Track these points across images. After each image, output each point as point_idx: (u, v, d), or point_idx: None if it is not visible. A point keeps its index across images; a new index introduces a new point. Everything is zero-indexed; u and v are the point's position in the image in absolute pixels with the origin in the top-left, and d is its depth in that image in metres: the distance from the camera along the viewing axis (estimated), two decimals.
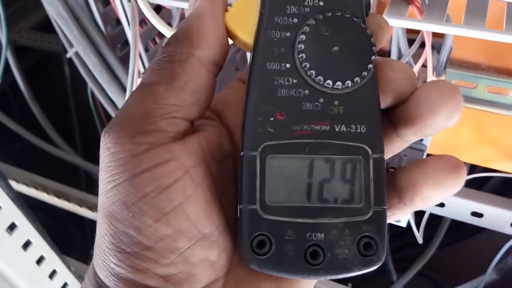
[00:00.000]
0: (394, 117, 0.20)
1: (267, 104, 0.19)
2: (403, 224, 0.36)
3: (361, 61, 0.19)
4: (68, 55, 0.51)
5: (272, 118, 0.19)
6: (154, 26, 0.37)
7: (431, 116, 0.18)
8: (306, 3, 0.19)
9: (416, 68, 0.34)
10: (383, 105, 0.19)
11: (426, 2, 0.32)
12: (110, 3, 0.44)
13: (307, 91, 0.19)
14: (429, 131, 0.19)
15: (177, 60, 0.19)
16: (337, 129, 0.19)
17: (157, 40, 0.51)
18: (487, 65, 0.40)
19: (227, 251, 0.19)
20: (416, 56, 0.34)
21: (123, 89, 0.47)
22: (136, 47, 0.40)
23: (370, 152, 0.19)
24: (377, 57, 0.19)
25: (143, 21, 0.46)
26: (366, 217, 0.18)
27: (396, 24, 0.31)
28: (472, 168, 0.55)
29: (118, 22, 0.47)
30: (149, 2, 0.37)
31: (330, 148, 0.19)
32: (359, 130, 0.19)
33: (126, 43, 0.49)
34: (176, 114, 0.18)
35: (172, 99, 0.18)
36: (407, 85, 0.19)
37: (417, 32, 0.33)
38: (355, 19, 0.19)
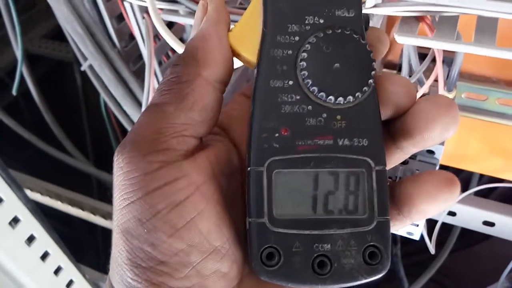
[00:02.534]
0: (394, 129, 0.20)
1: (271, 120, 0.19)
2: (416, 237, 0.36)
3: (361, 76, 0.19)
4: (82, 68, 0.52)
5: (277, 134, 0.19)
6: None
7: (428, 129, 0.19)
8: (306, 22, 0.20)
9: (428, 83, 0.34)
10: (383, 118, 0.20)
11: (437, 19, 0.32)
12: (124, 19, 0.45)
13: (310, 107, 0.19)
14: (427, 143, 0.19)
15: (185, 81, 0.19)
16: (340, 143, 0.19)
17: (170, 54, 0.51)
18: (497, 78, 0.40)
19: (238, 263, 0.19)
20: (428, 71, 0.34)
21: (138, 102, 0.47)
22: (152, 63, 0.41)
23: (372, 165, 0.19)
24: (377, 72, 0.19)
25: (156, 36, 0.46)
26: (370, 227, 0.19)
27: (407, 42, 0.31)
28: (480, 178, 0.55)
29: (132, 37, 0.48)
30: (162, 19, 0.37)
31: (334, 162, 0.19)
32: (361, 144, 0.19)
33: (139, 57, 0.49)
34: (185, 132, 0.19)
35: (181, 118, 0.19)
36: (406, 98, 0.19)
37: (428, 47, 0.33)
38: (355, 36, 0.19)
